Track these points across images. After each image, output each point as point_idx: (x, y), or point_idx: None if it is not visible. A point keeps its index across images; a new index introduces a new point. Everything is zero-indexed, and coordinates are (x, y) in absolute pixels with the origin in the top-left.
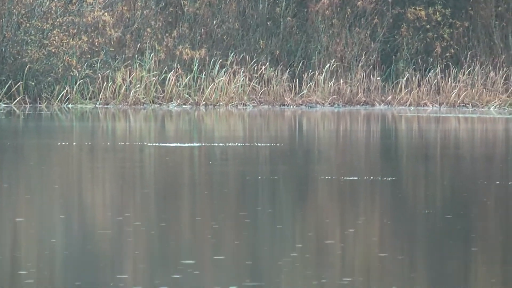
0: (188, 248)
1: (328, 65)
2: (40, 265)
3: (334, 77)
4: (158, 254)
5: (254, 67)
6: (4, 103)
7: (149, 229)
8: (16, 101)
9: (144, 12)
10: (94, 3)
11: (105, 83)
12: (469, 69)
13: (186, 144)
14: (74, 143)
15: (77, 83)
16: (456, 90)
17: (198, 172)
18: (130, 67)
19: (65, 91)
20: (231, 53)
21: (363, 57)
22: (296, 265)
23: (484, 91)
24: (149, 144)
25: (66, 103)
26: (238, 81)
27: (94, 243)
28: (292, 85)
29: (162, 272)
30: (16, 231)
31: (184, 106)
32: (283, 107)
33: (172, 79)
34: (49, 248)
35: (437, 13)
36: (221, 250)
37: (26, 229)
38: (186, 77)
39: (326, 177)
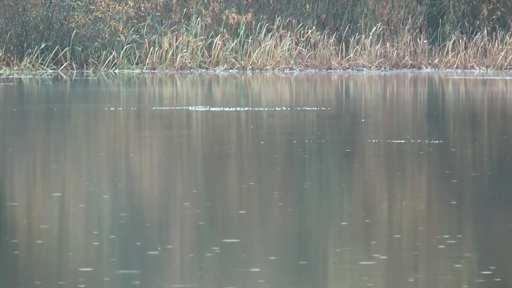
0: (237, 211)
1: (375, 28)
2: (88, 226)
3: (380, 41)
4: (207, 216)
5: (301, 31)
6: (51, 69)
7: (198, 192)
8: (63, 66)
9: None
10: None
11: (152, 48)
12: None
13: (233, 109)
14: (120, 108)
15: (124, 48)
16: (503, 52)
17: (246, 136)
18: (176, 32)
19: (111, 56)
20: (277, 17)
21: (409, 20)
22: (345, 227)
23: None
24: (196, 108)
25: (113, 68)
26: (284, 45)
27: (144, 206)
28: (339, 48)
29: (212, 235)
30: (64, 198)
31: (230, 71)
32: (329, 71)
33: (219, 44)
34: (98, 210)
35: None
36: (272, 210)
37: (74, 195)
38: (233, 42)
39: (373, 141)
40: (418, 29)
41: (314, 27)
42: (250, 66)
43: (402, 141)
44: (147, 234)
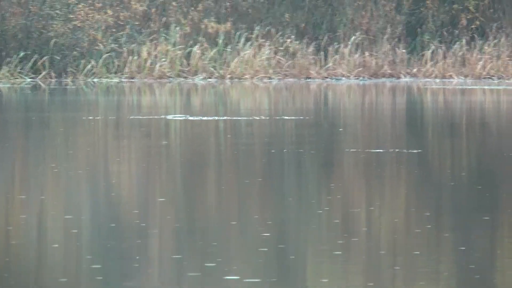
0: (213, 218)
1: (354, 37)
2: (67, 234)
3: (359, 50)
4: (185, 224)
5: (280, 40)
6: (30, 78)
7: (175, 202)
8: (41, 75)
9: None
10: None
11: (131, 57)
12: (495, 40)
13: (212, 118)
14: (98, 117)
15: (103, 57)
16: (482, 62)
17: (224, 145)
18: (155, 41)
19: (90, 65)
20: (256, 26)
21: (388, 29)
22: (322, 237)
23: (510, 63)
24: (174, 117)
25: (92, 77)
26: (263, 54)
27: (120, 216)
28: (318, 58)
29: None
30: (43, 205)
31: (209, 80)
32: (308, 80)
33: (198, 53)
34: (76, 219)
35: None
36: (248, 219)
37: (53, 204)
38: (212, 51)
39: (352, 150)
40: (397, 39)
41: (293, 36)
42: (229, 75)
43: (380, 150)
44: (122, 245)
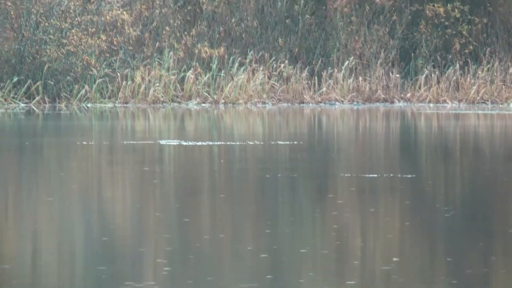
0: (208, 243)
1: (347, 62)
2: (60, 260)
3: (353, 75)
4: (178, 249)
5: (273, 65)
6: (24, 103)
7: (169, 229)
8: (35, 100)
9: (163, 10)
10: (112, 2)
11: (124, 82)
12: (488, 65)
13: (206, 143)
14: (92, 142)
15: (96, 82)
16: (475, 86)
17: (218, 170)
18: (149, 66)
19: (84, 90)
20: (250, 51)
21: (382, 54)
22: (316, 263)
23: (503, 87)
24: (168, 142)
25: (85, 102)
26: (257, 79)
27: (114, 244)
28: (311, 82)
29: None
30: (37, 233)
31: (203, 105)
32: (302, 104)
33: (191, 78)
34: (69, 247)
35: (456, 10)
36: (242, 246)
37: (47, 230)
38: (205, 76)
39: (346, 175)
40: (390, 63)
41: (286, 61)
42: (223, 100)
43: (374, 175)
44: (115, 271)
